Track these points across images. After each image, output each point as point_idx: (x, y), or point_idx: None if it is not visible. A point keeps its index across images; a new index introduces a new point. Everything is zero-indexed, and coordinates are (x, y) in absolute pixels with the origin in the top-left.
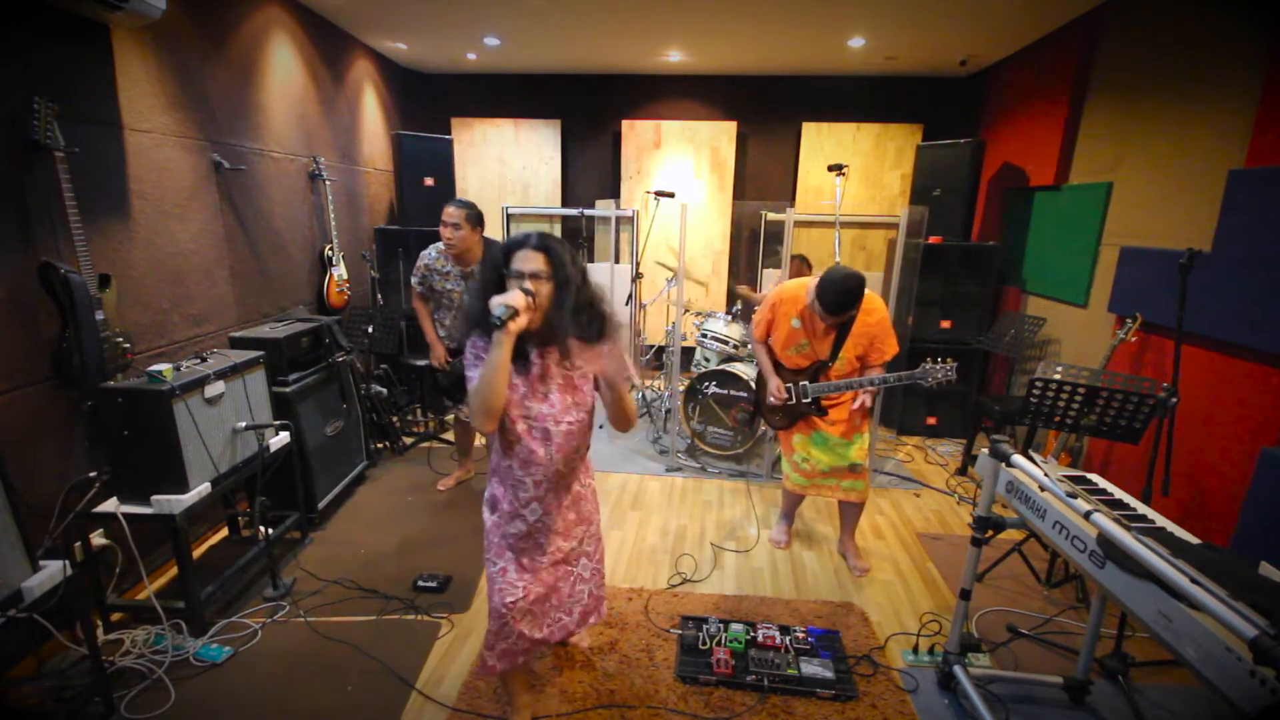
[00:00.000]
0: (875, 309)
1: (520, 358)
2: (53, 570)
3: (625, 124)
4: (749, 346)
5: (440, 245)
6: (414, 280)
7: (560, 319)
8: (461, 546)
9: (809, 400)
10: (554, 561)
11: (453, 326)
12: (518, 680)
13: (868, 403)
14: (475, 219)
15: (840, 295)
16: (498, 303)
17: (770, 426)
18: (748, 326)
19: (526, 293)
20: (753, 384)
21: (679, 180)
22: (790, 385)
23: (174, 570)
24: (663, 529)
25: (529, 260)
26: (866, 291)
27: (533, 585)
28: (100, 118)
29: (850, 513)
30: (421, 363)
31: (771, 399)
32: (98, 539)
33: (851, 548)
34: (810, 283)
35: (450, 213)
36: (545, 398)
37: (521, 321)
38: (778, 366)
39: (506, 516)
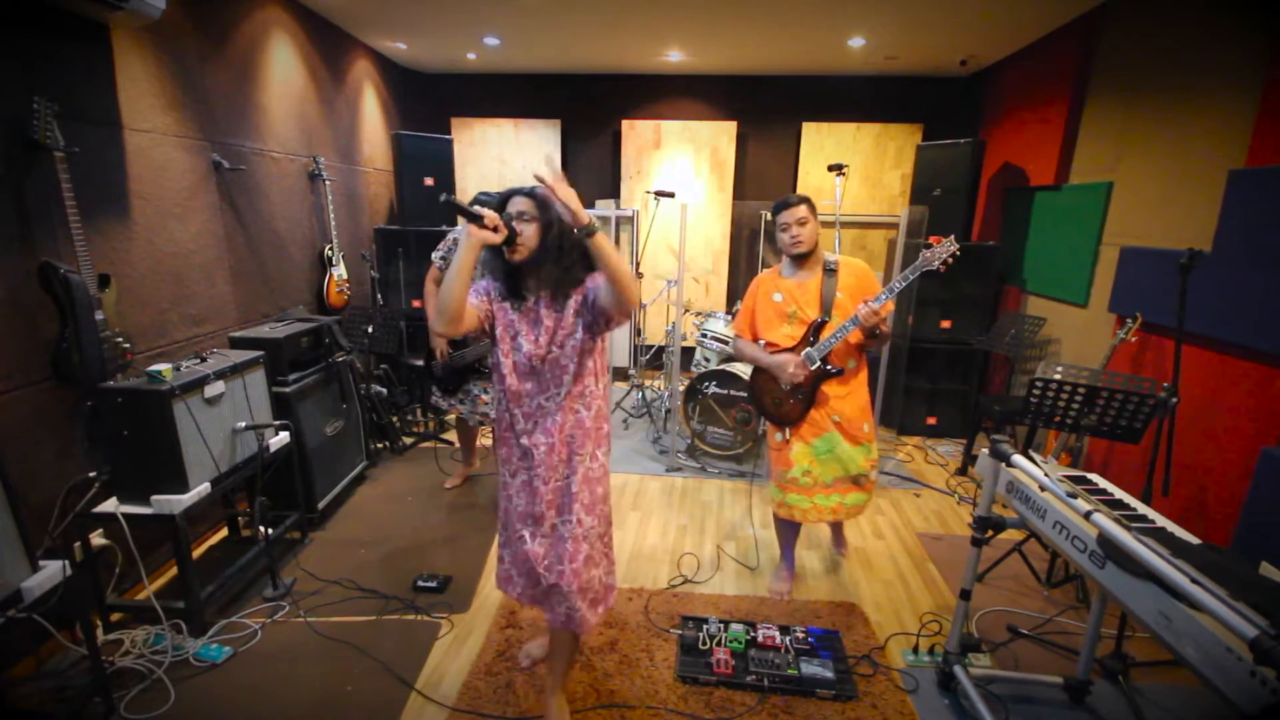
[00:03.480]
0: (852, 259)
1: (518, 296)
2: (52, 570)
3: (625, 124)
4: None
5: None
6: (437, 256)
7: (544, 255)
8: (461, 546)
9: (818, 365)
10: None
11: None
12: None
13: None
14: None
15: (787, 197)
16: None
17: (785, 423)
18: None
19: (507, 225)
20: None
21: (679, 180)
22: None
23: (174, 570)
24: (663, 529)
25: (517, 203)
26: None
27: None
28: (100, 118)
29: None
30: (420, 362)
31: (793, 378)
32: (97, 539)
33: (839, 535)
34: (776, 265)
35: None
36: (535, 339)
37: (489, 236)
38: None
39: (510, 475)
